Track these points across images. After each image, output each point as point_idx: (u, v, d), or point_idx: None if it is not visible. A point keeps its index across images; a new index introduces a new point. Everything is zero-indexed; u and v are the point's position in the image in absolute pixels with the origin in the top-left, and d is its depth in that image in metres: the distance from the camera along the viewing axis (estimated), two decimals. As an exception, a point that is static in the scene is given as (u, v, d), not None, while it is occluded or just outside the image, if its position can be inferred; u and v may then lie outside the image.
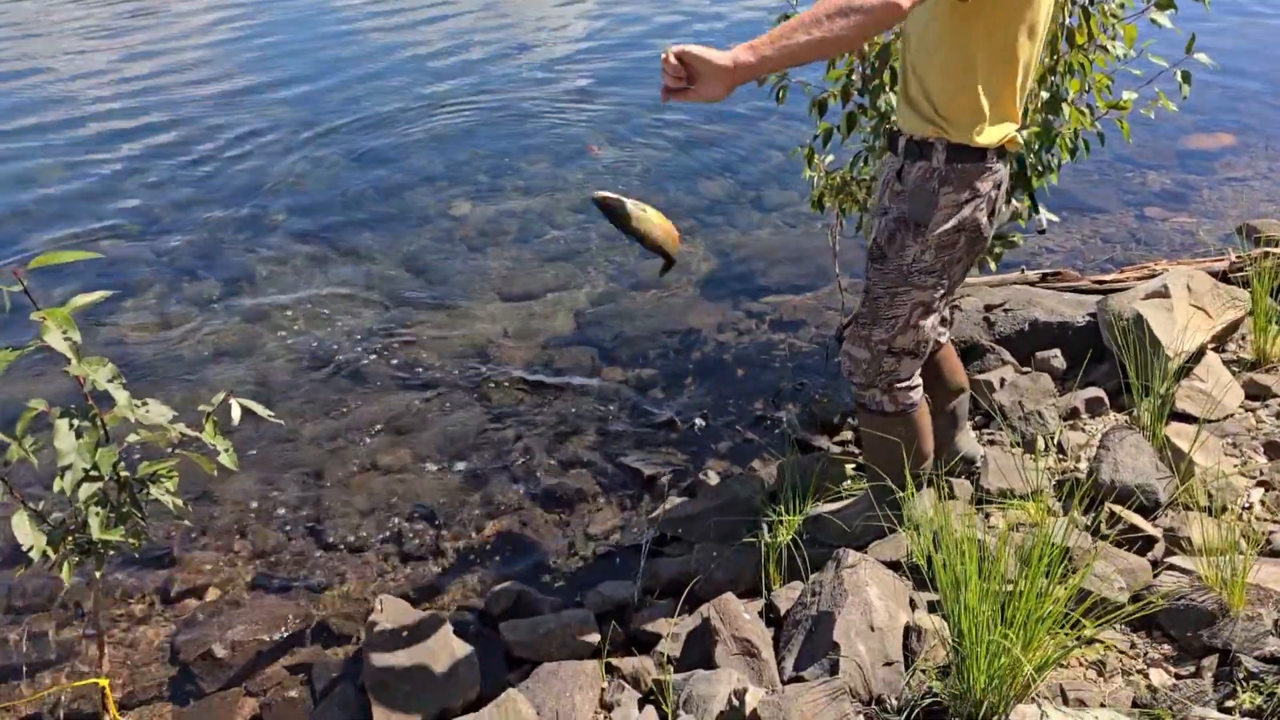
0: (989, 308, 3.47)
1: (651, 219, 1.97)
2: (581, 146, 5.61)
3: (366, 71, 7.06)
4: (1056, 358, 3.19)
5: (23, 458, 1.84)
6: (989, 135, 1.95)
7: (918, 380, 2.22)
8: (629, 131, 5.86)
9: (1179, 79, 2.78)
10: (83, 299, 1.86)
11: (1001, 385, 3.07)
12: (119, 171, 5.31)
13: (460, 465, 3.12)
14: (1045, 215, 3.28)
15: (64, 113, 6.16)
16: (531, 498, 2.98)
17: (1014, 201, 3.17)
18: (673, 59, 1.56)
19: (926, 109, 1.97)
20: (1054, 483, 2.53)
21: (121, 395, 1.82)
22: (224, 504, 2.96)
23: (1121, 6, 2.71)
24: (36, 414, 1.86)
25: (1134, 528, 2.21)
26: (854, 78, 2.99)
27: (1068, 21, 2.67)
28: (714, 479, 2.92)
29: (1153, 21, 2.65)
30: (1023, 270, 3.81)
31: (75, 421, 1.83)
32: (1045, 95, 2.83)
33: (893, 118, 2.11)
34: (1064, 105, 2.82)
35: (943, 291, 2.11)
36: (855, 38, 1.57)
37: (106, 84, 6.69)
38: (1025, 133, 2.91)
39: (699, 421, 3.30)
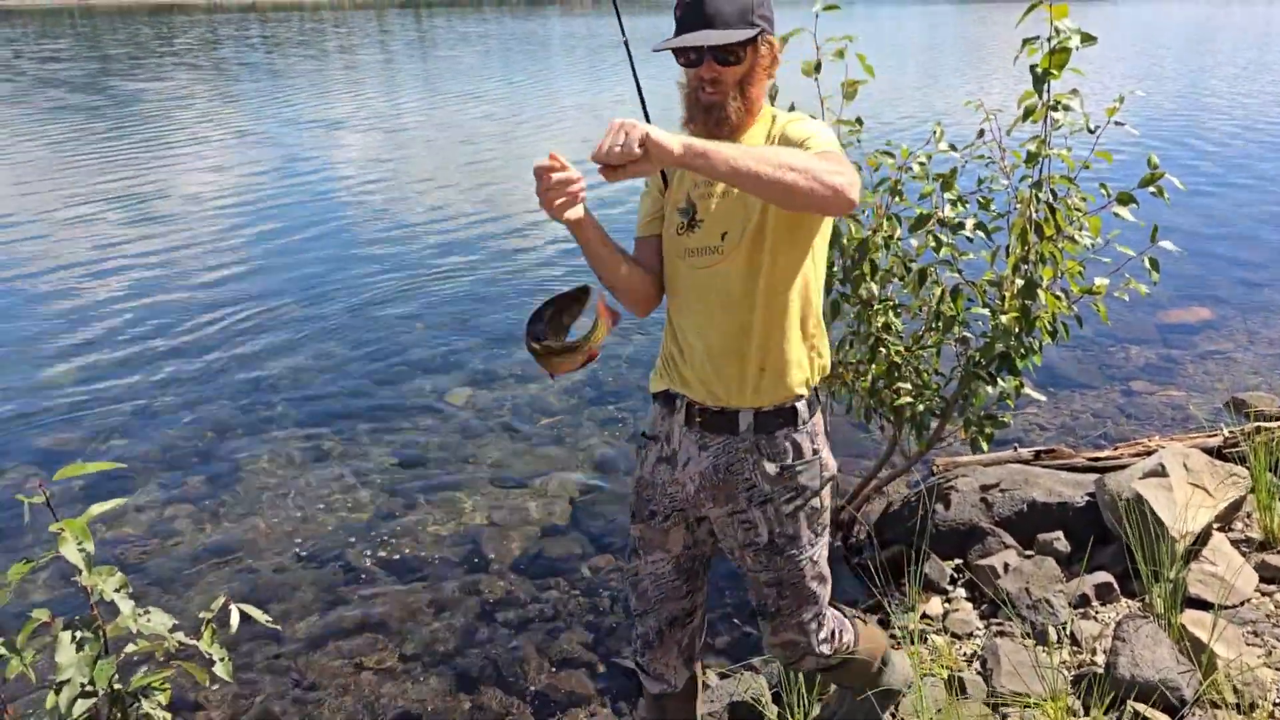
0: (985, 488, 3.42)
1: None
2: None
3: (363, 254, 7.37)
4: (1060, 540, 3.11)
5: (21, 672, 1.80)
6: (824, 369, 1.86)
7: (840, 619, 2.08)
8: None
9: (1147, 265, 2.88)
10: (98, 508, 1.88)
11: (1006, 571, 2.98)
12: (113, 362, 5.36)
13: (450, 666, 2.96)
14: (1032, 393, 3.31)
15: (66, 304, 6.31)
16: (523, 701, 2.81)
17: (1000, 382, 3.20)
18: (636, 149, 1.41)
19: (778, 371, 1.77)
20: (1070, 678, 2.39)
21: (126, 605, 1.82)
22: (208, 709, 2.78)
23: (1084, 200, 2.86)
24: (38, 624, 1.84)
25: (1162, 731, 2.07)
26: (834, 269, 3.10)
27: (1034, 215, 2.80)
28: (713, 679, 2.76)
29: (1115, 214, 2.78)
30: (1015, 448, 3.79)
31: (78, 634, 1.81)
32: (1020, 282, 2.92)
33: (697, 389, 1.84)
34: (1039, 291, 2.90)
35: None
36: (797, 200, 1.49)
37: (103, 274, 6.90)
38: (1005, 317, 2.98)
39: (696, 613, 3.16)
